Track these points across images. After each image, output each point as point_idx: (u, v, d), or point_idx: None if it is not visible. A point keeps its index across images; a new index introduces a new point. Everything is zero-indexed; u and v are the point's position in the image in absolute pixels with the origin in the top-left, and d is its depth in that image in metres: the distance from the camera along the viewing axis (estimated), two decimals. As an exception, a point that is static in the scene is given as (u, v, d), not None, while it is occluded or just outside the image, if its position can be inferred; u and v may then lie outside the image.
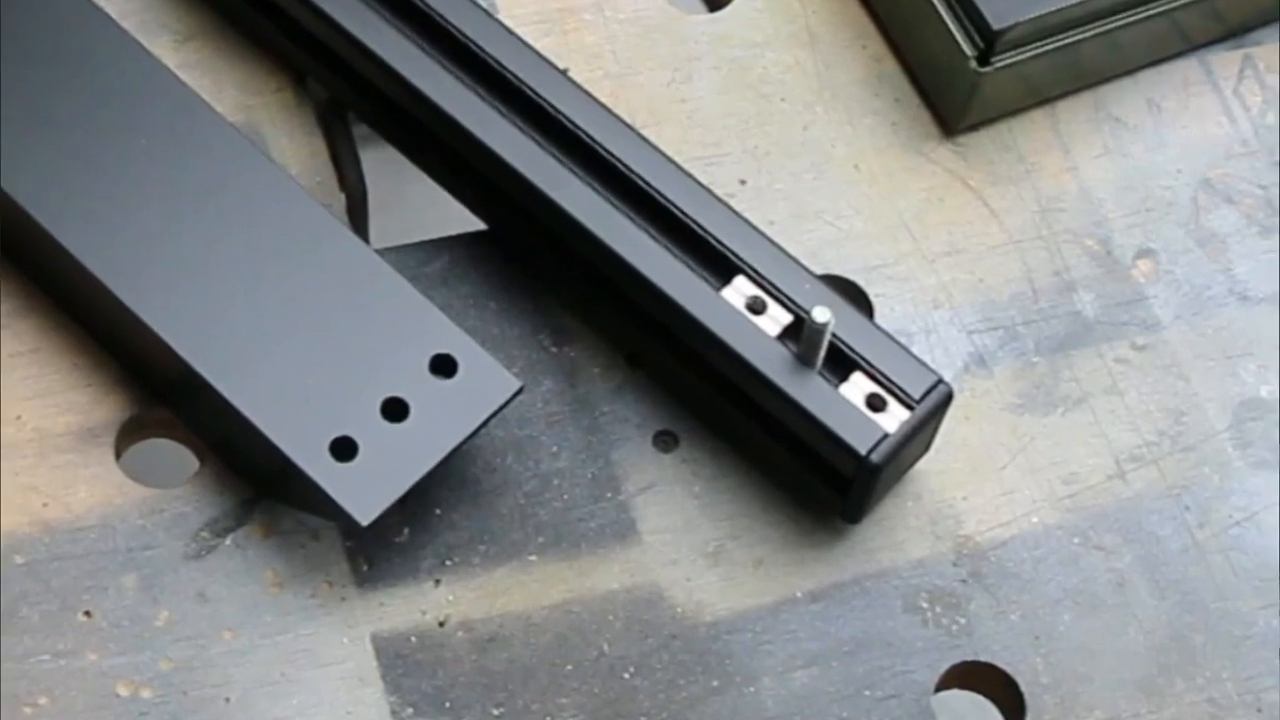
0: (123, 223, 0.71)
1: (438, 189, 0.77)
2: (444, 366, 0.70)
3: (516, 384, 0.70)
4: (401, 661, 0.70)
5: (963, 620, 0.72)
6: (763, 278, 0.72)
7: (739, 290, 0.72)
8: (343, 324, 0.70)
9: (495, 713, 0.69)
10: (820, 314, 0.68)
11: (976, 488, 0.74)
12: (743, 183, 0.79)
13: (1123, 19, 0.80)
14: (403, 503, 0.69)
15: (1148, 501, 0.75)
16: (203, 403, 0.70)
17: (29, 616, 0.69)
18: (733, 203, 0.75)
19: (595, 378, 0.75)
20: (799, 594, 0.72)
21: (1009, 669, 0.71)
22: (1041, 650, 0.72)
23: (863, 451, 0.69)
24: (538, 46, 0.75)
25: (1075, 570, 0.73)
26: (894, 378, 0.70)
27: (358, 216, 0.78)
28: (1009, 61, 0.78)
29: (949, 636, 0.72)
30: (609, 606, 0.71)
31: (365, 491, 0.68)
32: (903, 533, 0.73)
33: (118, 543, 0.70)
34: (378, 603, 0.71)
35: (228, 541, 0.71)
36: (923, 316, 0.77)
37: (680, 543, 0.73)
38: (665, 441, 0.74)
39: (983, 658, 0.72)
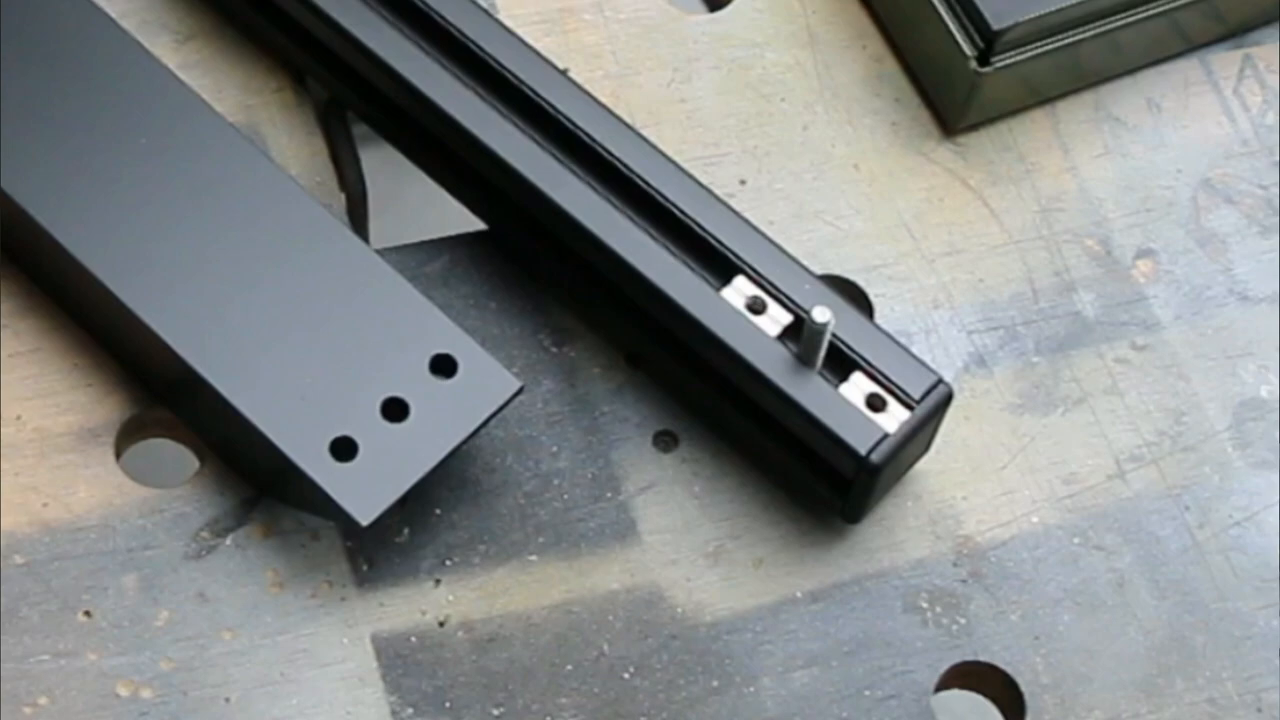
0: (123, 223, 0.71)
1: (438, 189, 0.77)
2: (444, 366, 0.70)
3: (516, 384, 0.70)
4: (401, 661, 0.70)
5: (963, 620, 0.72)
6: (763, 278, 0.72)
7: (739, 290, 0.72)
8: (343, 324, 0.70)
9: (495, 713, 0.69)
10: (820, 314, 0.68)
11: (976, 488, 0.74)
12: (743, 183, 0.79)
13: (1123, 19, 0.80)
14: (403, 503, 0.69)
15: (1148, 501, 0.75)
16: (203, 403, 0.70)
17: (29, 616, 0.69)
18: (733, 203, 0.74)
19: (595, 378, 0.75)
20: (799, 594, 0.72)
21: (1009, 669, 0.71)
22: (1041, 650, 0.72)
23: (863, 451, 0.69)
24: (538, 46, 0.75)
25: (1075, 570, 0.73)
26: (894, 378, 0.70)
27: (358, 216, 0.78)
28: (1009, 61, 0.78)
29: (949, 636, 0.72)
30: (609, 606, 0.71)
31: (365, 491, 0.68)
32: (903, 533, 0.73)
33: (118, 543, 0.70)
34: (378, 603, 0.71)
35: (228, 541, 0.71)
36: (923, 316, 0.77)
37: (680, 543, 0.73)
38: (665, 441, 0.74)
39: (983, 658, 0.72)
